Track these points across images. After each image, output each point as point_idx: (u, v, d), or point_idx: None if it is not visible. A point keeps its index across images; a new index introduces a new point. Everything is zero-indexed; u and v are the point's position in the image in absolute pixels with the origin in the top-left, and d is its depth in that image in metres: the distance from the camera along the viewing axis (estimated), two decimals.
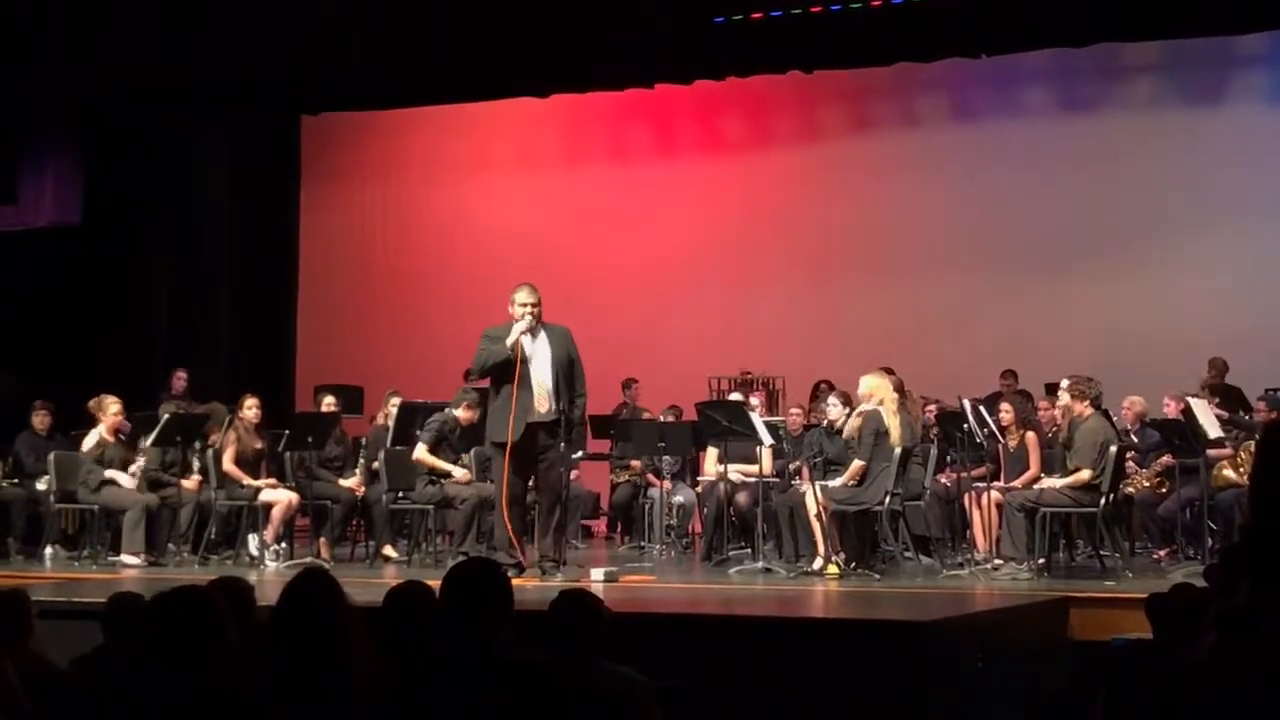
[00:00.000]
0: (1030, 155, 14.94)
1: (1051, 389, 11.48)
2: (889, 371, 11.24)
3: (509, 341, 9.38)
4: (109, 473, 11.26)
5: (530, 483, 9.68)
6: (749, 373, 14.74)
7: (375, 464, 11.53)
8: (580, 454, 13.31)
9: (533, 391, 9.41)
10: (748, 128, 16.05)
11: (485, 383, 9.95)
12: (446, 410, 11.12)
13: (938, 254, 15.15)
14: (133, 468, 11.33)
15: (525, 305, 9.45)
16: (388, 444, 11.50)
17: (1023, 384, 13.17)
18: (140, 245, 15.48)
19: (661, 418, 12.80)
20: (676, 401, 13.08)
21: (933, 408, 11.78)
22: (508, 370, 9.43)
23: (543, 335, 9.53)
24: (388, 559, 11.36)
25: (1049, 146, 14.89)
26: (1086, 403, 10.05)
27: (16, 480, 12.07)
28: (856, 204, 15.53)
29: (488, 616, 4.00)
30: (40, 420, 12.28)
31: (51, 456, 11.54)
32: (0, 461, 12.22)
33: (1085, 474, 9.82)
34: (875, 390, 10.07)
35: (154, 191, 15.64)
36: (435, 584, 4.30)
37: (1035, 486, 10.14)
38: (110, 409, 11.41)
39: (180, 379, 13.61)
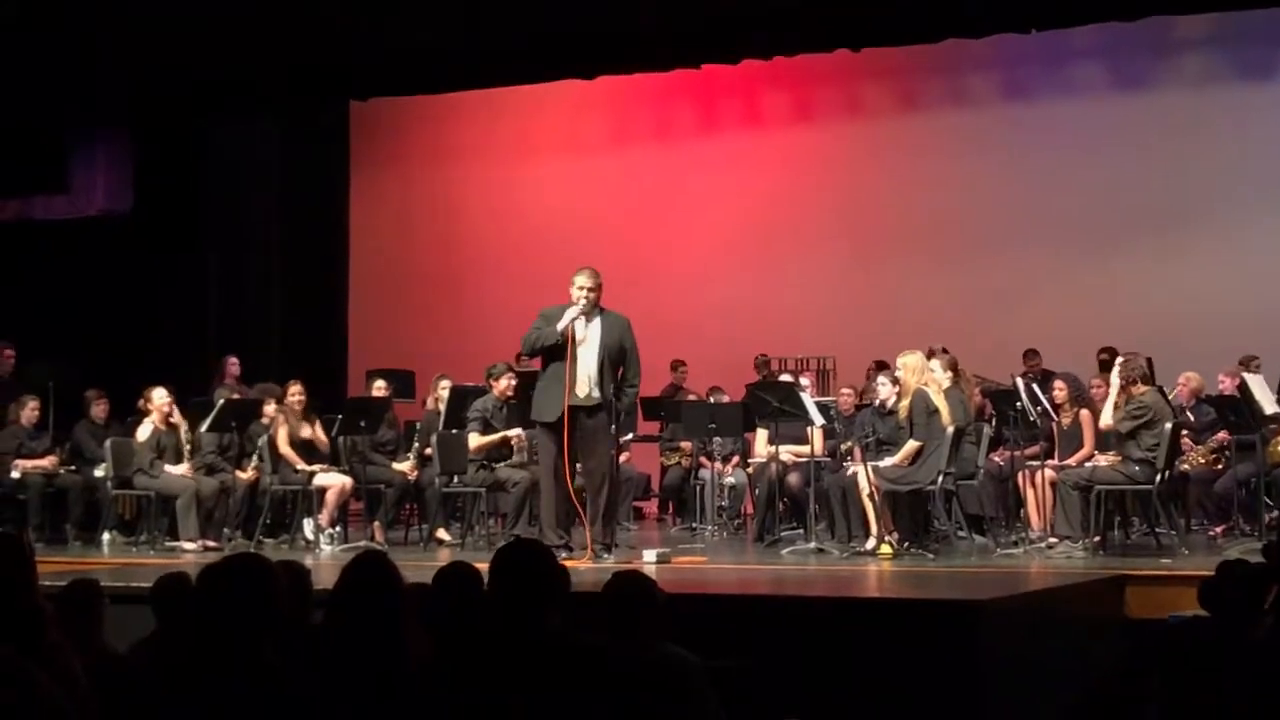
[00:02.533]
0: (1081, 132, 14.82)
1: (1107, 365, 11.40)
2: (943, 351, 11.19)
3: (560, 326, 9.39)
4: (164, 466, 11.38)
5: (578, 466, 9.69)
6: (765, 354, 14.67)
7: (428, 448, 11.58)
8: (631, 435, 13.34)
9: (577, 374, 9.42)
10: (794, 106, 15.99)
11: (536, 363, 9.97)
12: (486, 396, 11.18)
13: (989, 233, 15.07)
14: (182, 466, 11.41)
15: (582, 290, 9.45)
16: (439, 428, 11.55)
17: (1075, 362, 13.08)
18: (191, 233, 15.59)
19: (710, 399, 12.79)
20: (724, 382, 13.07)
21: (978, 391, 11.73)
22: (558, 352, 9.44)
23: (598, 321, 9.51)
24: (441, 542, 11.42)
25: (1100, 123, 14.76)
26: (1139, 384, 9.93)
27: (75, 468, 12.19)
28: (906, 182, 15.46)
29: (536, 597, 4.00)
30: (99, 409, 12.39)
31: (108, 443, 11.66)
32: (59, 449, 12.34)
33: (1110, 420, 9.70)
34: (911, 369, 10.03)
35: (205, 179, 15.74)
36: (484, 566, 4.32)
37: (1089, 464, 10.08)
38: (156, 399, 11.51)
39: (233, 365, 13.70)
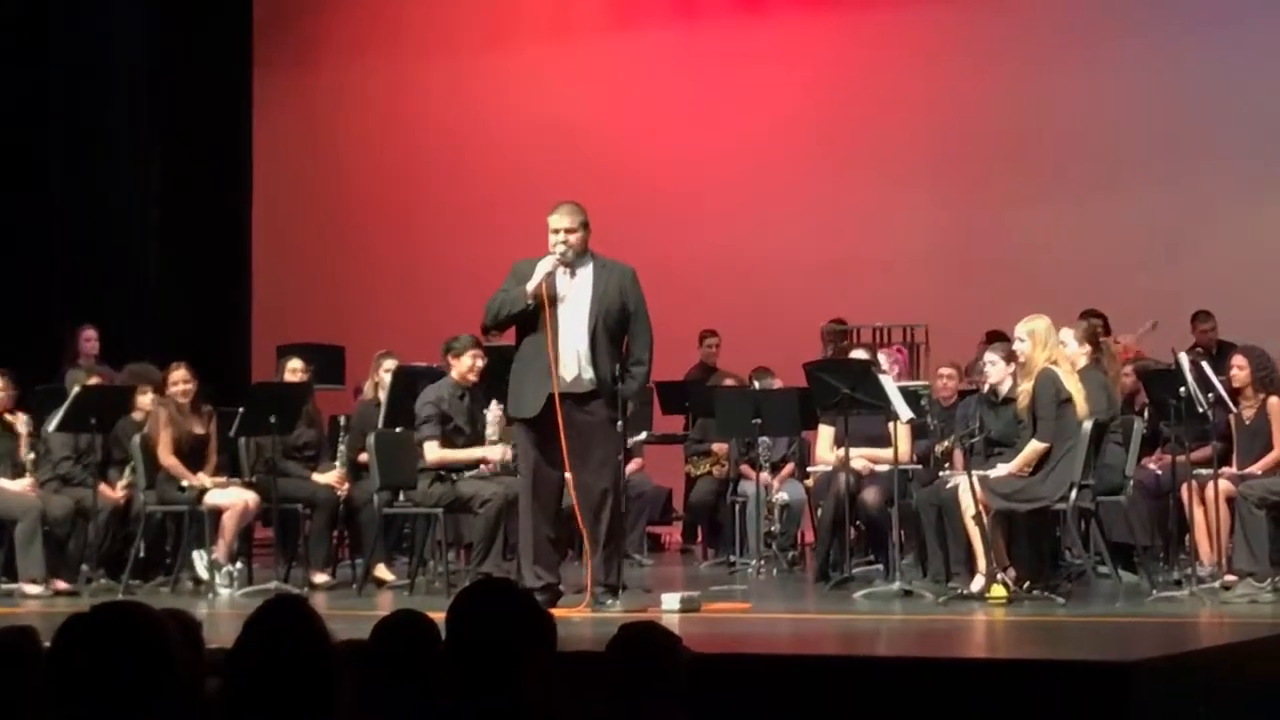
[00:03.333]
0: (1268, 10, 14.81)
1: None
2: (1095, 315, 11.18)
3: (530, 286, 9.39)
4: None
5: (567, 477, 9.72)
6: (841, 320, 14.63)
7: (362, 453, 11.62)
8: (644, 435, 13.37)
9: (560, 350, 9.44)
10: None
11: (511, 338, 9.98)
12: (440, 382, 11.12)
13: (1141, 156, 15.08)
14: (22, 481, 11.44)
15: (558, 233, 9.46)
16: (379, 425, 11.57)
17: (1263, 330, 13.09)
18: (30, 157, 15.61)
19: (755, 384, 12.83)
20: (772, 362, 13.10)
21: (1130, 370, 11.74)
22: (533, 322, 9.45)
23: (585, 273, 9.50)
24: (381, 583, 11.46)
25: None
26: None
27: None
28: (1025, 87, 15.44)
29: (512, 657, 4.04)
30: None
31: None
32: None
33: None
34: (1037, 341, 10.02)
35: (48, 82, 15.76)
36: (441, 616, 4.36)
37: None
38: None
39: (90, 340, 13.73)
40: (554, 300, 9.41)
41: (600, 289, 9.50)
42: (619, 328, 9.55)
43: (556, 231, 9.47)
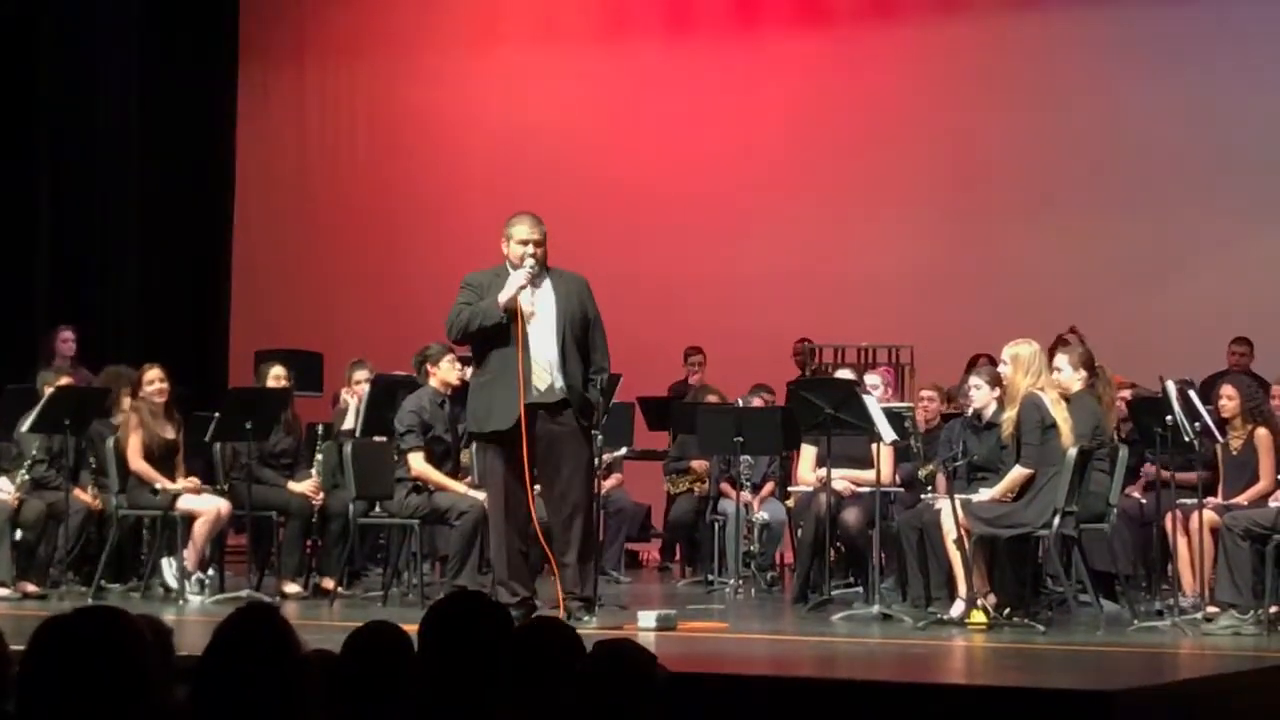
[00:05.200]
0: (1270, 37, 14.84)
1: None
2: (1074, 338, 11.18)
3: (503, 298, 9.38)
4: None
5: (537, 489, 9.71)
6: (806, 340, 14.65)
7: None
8: (624, 451, 13.36)
9: (532, 362, 9.45)
10: None
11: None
12: (420, 391, 11.12)
13: (1129, 180, 15.09)
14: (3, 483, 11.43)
15: (526, 244, 9.47)
16: (356, 433, 11.55)
17: (1261, 359, 13.12)
18: (12, 152, 15.58)
19: (739, 402, 12.83)
20: (757, 378, 13.10)
21: (1126, 393, 11.76)
22: (501, 335, 9.45)
23: (547, 285, 9.54)
24: (329, 593, 11.40)
25: None
26: None
27: None
28: (1021, 104, 15.45)
29: (484, 673, 4.03)
30: None
31: None
32: None
33: None
34: (1021, 365, 10.03)
35: (35, 75, 15.74)
36: (414, 628, 4.34)
37: (1270, 504, 10.10)
38: None
39: (66, 341, 13.70)
40: (522, 315, 9.41)
41: (563, 298, 9.54)
42: (582, 336, 9.58)
43: (525, 243, 9.48)
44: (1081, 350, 10.80)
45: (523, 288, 9.41)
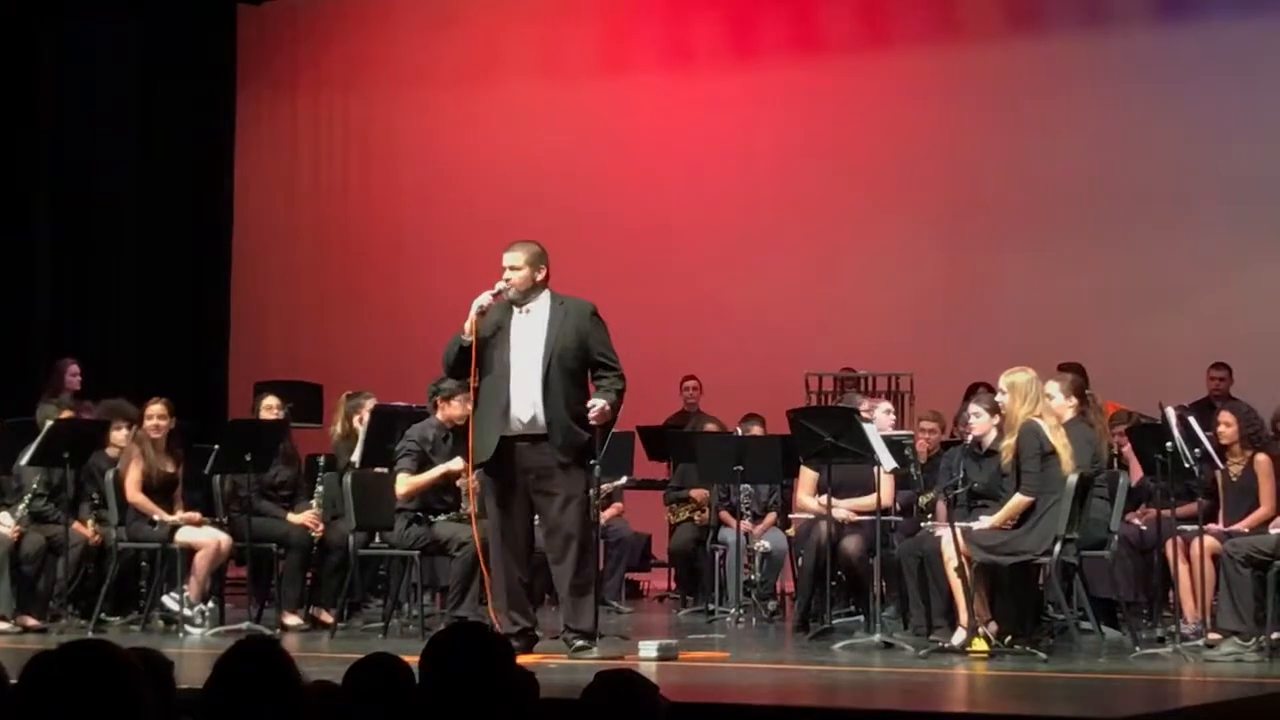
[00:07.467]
0: (1260, 62, 14.85)
1: None
2: (1075, 369, 11.19)
3: (467, 325, 9.40)
4: None
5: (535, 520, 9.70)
6: (851, 369, 14.70)
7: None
8: (624, 480, 13.35)
9: (510, 392, 9.41)
10: (861, 21, 16.05)
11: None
12: (426, 421, 11.15)
13: (1129, 208, 15.08)
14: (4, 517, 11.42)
15: (504, 270, 9.49)
16: (356, 464, 11.55)
17: (1252, 387, 13.11)
18: (13, 187, 15.60)
19: (739, 431, 12.83)
20: (756, 408, 13.09)
21: (1122, 427, 11.76)
22: (490, 366, 9.42)
23: (539, 312, 9.48)
24: (327, 626, 11.38)
25: None
26: None
27: None
28: (1017, 129, 15.47)
29: (484, 704, 4.03)
30: None
31: None
32: None
33: None
34: (1020, 394, 10.03)
35: (35, 109, 15.76)
36: (415, 659, 4.34)
37: (1271, 530, 10.10)
38: None
39: (73, 374, 13.71)
40: (505, 343, 9.38)
41: (556, 330, 9.46)
42: (578, 367, 9.50)
43: (503, 269, 9.51)
44: (1071, 378, 10.83)
45: (483, 311, 9.39)
